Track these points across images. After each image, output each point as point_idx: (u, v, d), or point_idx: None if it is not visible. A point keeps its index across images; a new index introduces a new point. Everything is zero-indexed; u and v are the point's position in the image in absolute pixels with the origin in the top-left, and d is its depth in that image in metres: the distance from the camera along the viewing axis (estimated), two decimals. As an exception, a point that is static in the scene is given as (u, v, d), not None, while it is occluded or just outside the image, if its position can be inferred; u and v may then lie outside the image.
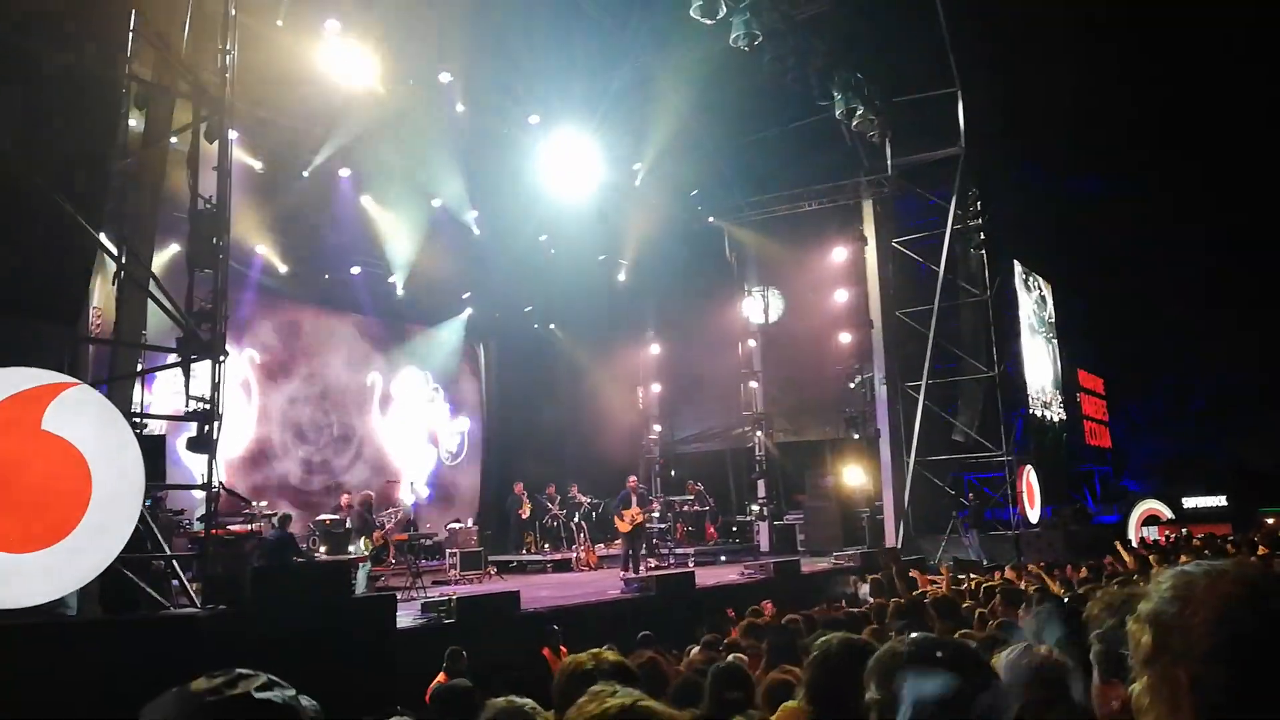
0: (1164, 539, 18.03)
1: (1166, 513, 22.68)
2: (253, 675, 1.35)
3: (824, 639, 2.45)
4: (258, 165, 13.81)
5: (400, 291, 17.91)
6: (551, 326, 21.29)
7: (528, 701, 2.26)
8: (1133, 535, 20.77)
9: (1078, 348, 27.40)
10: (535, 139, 15.99)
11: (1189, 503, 23.93)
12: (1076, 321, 27.19)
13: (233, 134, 9.20)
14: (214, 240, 8.53)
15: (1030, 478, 18.83)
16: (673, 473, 21.25)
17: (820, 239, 19.69)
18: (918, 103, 17.90)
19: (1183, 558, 11.11)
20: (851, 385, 19.56)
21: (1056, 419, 24.59)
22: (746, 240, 20.80)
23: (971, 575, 11.51)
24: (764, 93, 16.05)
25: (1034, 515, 18.76)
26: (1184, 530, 19.29)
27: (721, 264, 20.75)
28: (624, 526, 14.39)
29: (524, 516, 17.23)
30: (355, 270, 17.06)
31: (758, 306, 21.12)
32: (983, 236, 19.05)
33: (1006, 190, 20.90)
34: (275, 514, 12.19)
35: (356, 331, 18.15)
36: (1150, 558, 11.18)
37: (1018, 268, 22.64)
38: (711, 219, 20.56)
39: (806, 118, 17.63)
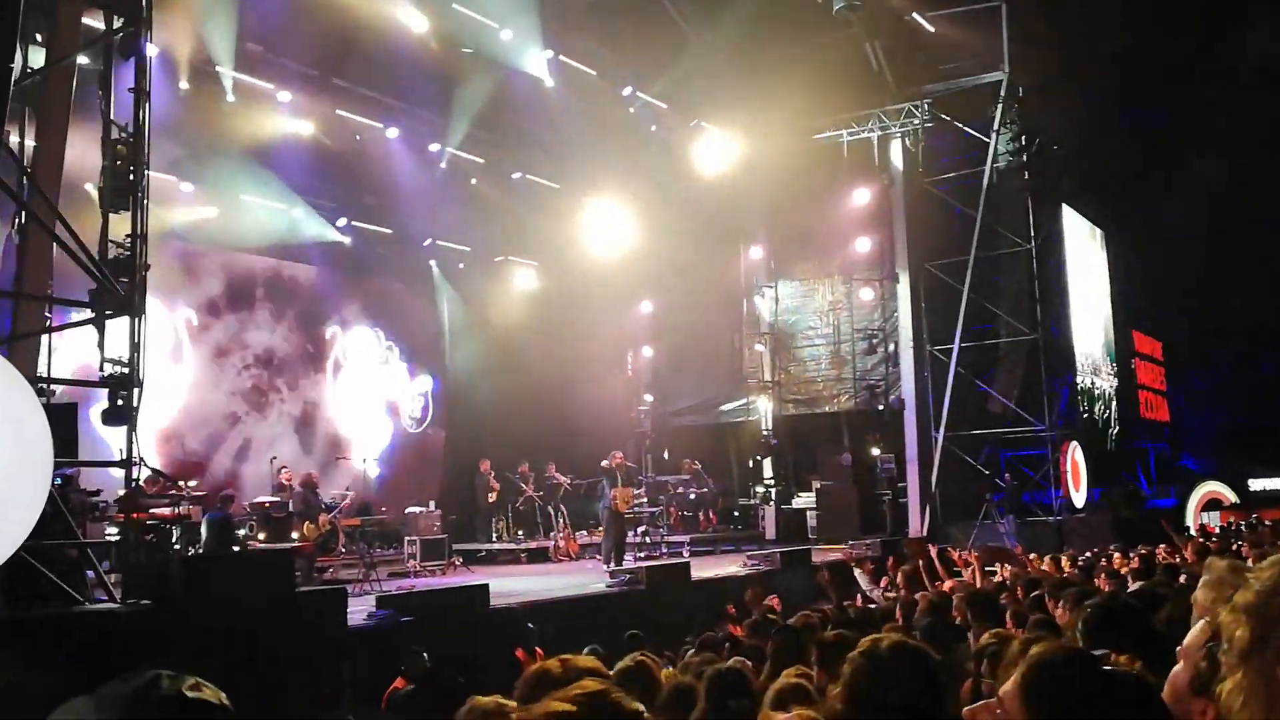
0: (1228, 524, 18.25)
1: (1230, 496, 22.94)
2: (177, 677, 1.34)
3: (871, 640, 2.53)
4: (182, 85, 13.59)
5: (348, 239, 17.78)
6: (527, 277, 21.25)
7: (509, 703, 2.30)
8: (1191, 521, 21.02)
9: (1134, 306, 27.51)
10: (509, 52, 15.86)
11: (1256, 485, 24.22)
12: (1133, 276, 27.24)
13: (152, 49, 9.04)
14: (131, 175, 8.43)
15: (1075, 455, 19.01)
16: (666, 451, 21.37)
17: (839, 179, 19.62)
18: (956, 18, 17.75)
19: (1244, 548, 11.29)
20: (873, 349, 19.61)
21: (1107, 388, 24.77)
22: (750, 180, 20.73)
23: (1006, 565, 11.63)
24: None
25: (1079, 498, 18.97)
26: (1253, 516, 19.50)
27: (723, 207, 20.70)
28: (624, 506, 14.44)
29: (492, 500, 17.30)
30: (298, 210, 16.91)
31: (765, 257, 21.08)
32: (1028, 176, 19.01)
33: (1056, 122, 20.80)
34: (205, 495, 12.20)
35: (304, 284, 18.04)
36: (1210, 545, 11.32)
37: (1067, 213, 22.63)
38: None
39: (824, 34, 17.48)
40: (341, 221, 17.73)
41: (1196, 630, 1.76)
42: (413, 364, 19.93)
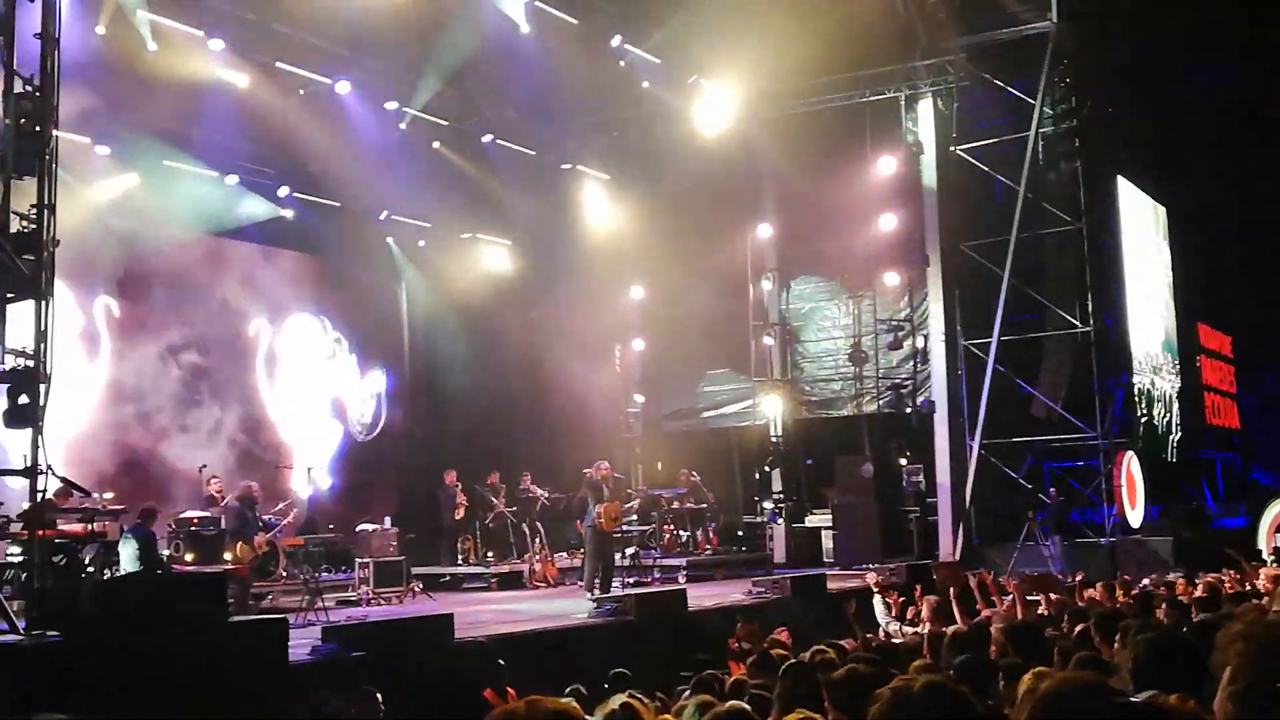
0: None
1: (1309, 515, 23.04)
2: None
3: (902, 682, 2.55)
4: (99, 29, 13.51)
5: (290, 212, 17.77)
6: (498, 257, 21.23)
7: None
8: (1264, 544, 21.11)
9: (1200, 296, 27.58)
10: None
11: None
12: (1199, 261, 27.32)
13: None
14: (37, 135, 8.39)
15: (1131, 467, 19.10)
16: (659, 460, 21.38)
17: (859, 146, 19.64)
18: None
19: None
20: (899, 343, 19.64)
21: (1169, 390, 24.88)
22: (757, 149, 20.76)
23: (1050, 594, 11.67)
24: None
25: (1135, 517, 19.06)
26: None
27: (726, 180, 20.72)
28: (610, 525, 14.43)
29: (458, 517, 17.30)
30: (232, 179, 16.85)
31: (773, 240, 21.09)
32: (1079, 144, 19.06)
33: (1112, 82, 20.85)
34: (123, 509, 12.16)
35: (239, 264, 17.99)
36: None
37: (1124, 187, 22.70)
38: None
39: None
40: (283, 191, 17.64)
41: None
42: (364, 358, 19.87)
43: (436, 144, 18.55)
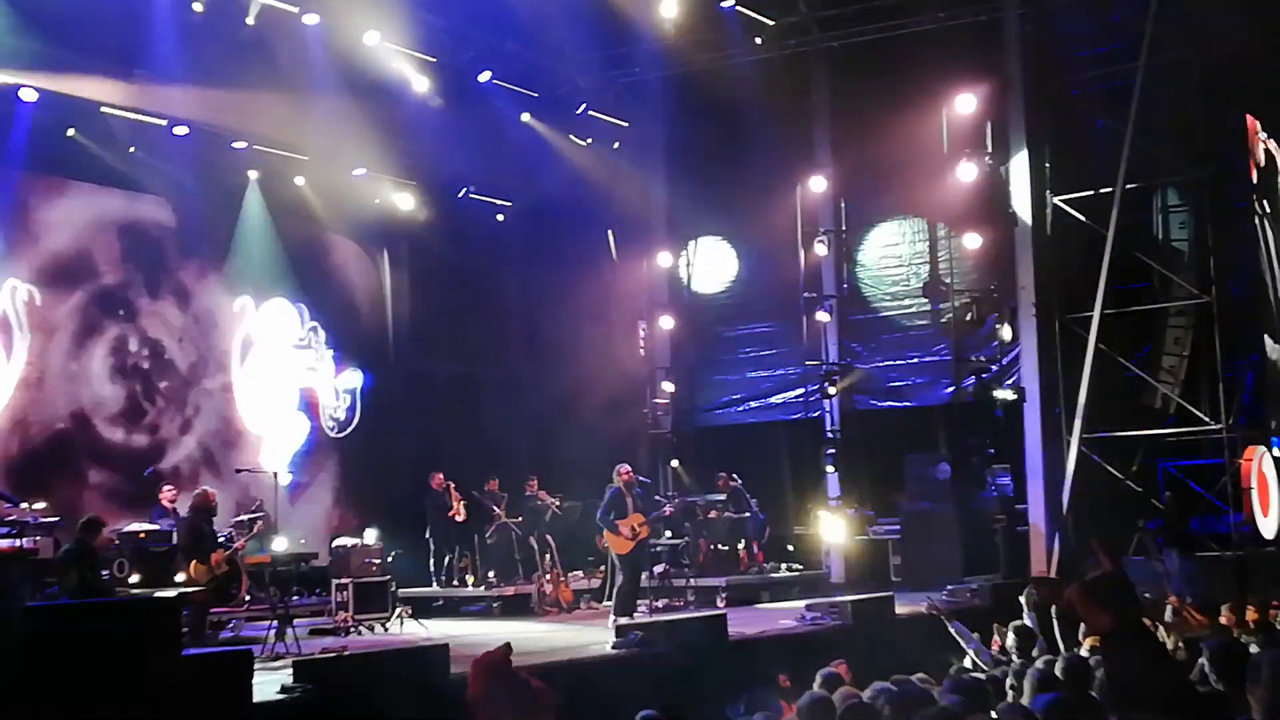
0: None
1: None
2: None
3: None
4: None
5: (255, 173, 17.87)
6: (500, 219, 21.26)
7: None
8: None
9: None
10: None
11: None
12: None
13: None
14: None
15: (1264, 466, 18.90)
16: (691, 461, 21.37)
17: (933, 83, 19.50)
18: None
19: None
20: (981, 318, 19.51)
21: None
22: (815, 84, 20.61)
23: (1160, 622, 11.64)
24: None
25: (1269, 527, 18.89)
26: None
27: (773, 125, 20.64)
28: (622, 545, 14.48)
29: (459, 520, 17.35)
30: (181, 130, 16.89)
31: (829, 193, 20.99)
32: (1200, 78, 18.85)
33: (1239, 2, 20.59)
34: (57, 521, 12.26)
35: (179, 235, 18.06)
36: None
37: (1255, 128, 22.45)
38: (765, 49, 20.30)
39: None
40: (239, 144, 17.62)
41: None
42: (340, 353, 19.96)
43: (428, 85, 18.50)
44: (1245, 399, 19.39)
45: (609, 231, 21.99)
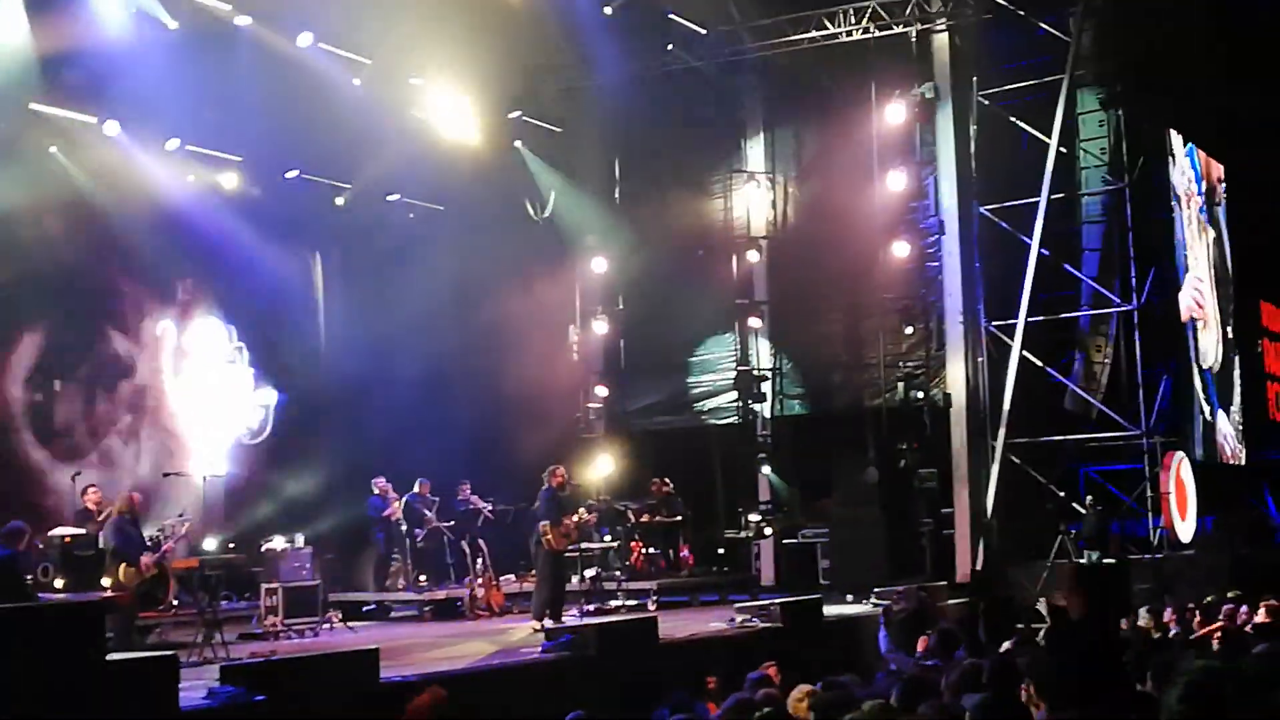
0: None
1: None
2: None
3: None
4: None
5: (191, 175, 17.77)
6: (426, 220, 21.22)
7: None
8: (1336, 560, 21.43)
9: (1261, 268, 27.80)
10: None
11: None
12: (1262, 227, 27.52)
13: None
14: None
15: (1182, 471, 19.23)
16: (624, 466, 21.40)
17: (862, 92, 19.68)
18: None
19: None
20: (908, 328, 19.71)
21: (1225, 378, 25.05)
22: (743, 93, 20.74)
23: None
24: None
25: (1185, 531, 19.21)
26: None
27: (706, 132, 20.72)
28: (560, 543, 14.46)
29: (395, 519, 17.34)
30: (112, 129, 16.69)
31: (761, 200, 21.12)
32: (1121, 90, 19.16)
33: (1160, 13, 20.94)
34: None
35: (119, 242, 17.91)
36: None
37: (1175, 141, 22.85)
38: (690, 59, 20.40)
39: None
40: (172, 144, 17.44)
41: None
42: (260, 367, 19.86)
43: (357, 81, 18.36)
44: (1163, 405, 19.72)
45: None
